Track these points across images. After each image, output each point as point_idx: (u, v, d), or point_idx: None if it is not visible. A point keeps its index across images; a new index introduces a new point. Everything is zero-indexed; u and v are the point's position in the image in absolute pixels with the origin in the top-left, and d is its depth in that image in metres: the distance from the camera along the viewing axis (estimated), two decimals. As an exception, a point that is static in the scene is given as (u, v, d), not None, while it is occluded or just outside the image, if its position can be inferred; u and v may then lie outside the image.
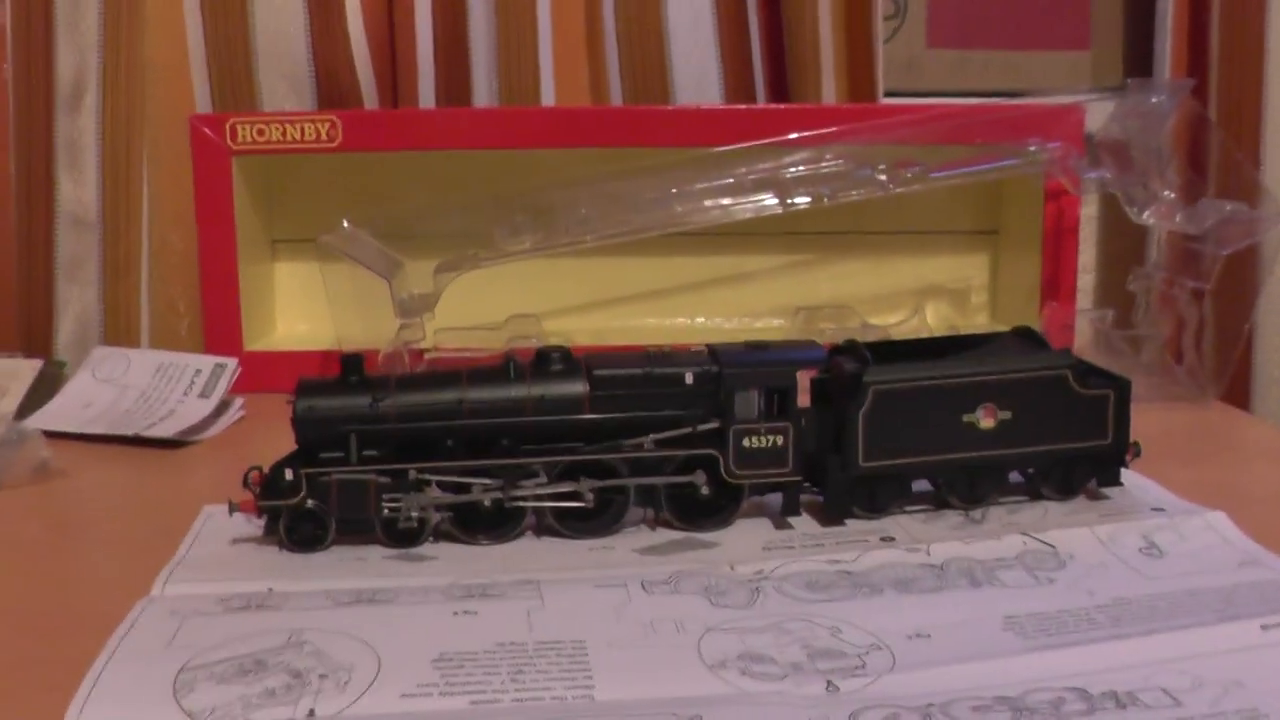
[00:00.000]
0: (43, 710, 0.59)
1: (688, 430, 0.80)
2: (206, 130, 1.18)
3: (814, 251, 1.31)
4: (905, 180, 1.08)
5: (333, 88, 1.32)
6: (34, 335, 1.37)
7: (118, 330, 1.36)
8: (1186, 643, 0.64)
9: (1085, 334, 1.15)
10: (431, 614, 0.68)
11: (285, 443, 0.83)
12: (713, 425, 0.80)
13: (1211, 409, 1.13)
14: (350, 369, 0.79)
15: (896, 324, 1.22)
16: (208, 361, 1.14)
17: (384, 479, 0.78)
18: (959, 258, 1.33)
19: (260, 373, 1.17)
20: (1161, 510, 0.83)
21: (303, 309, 1.32)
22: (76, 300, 1.36)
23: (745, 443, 0.80)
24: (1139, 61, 1.46)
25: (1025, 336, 0.90)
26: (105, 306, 1.36)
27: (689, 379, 0.79)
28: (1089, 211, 1.43)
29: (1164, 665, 0.62)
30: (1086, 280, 1.44)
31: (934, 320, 1.26)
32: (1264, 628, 0.65)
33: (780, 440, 0.80)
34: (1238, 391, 1.34)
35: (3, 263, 1.38)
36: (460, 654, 0.63)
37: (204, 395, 1.10)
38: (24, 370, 1.20)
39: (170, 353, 1.17)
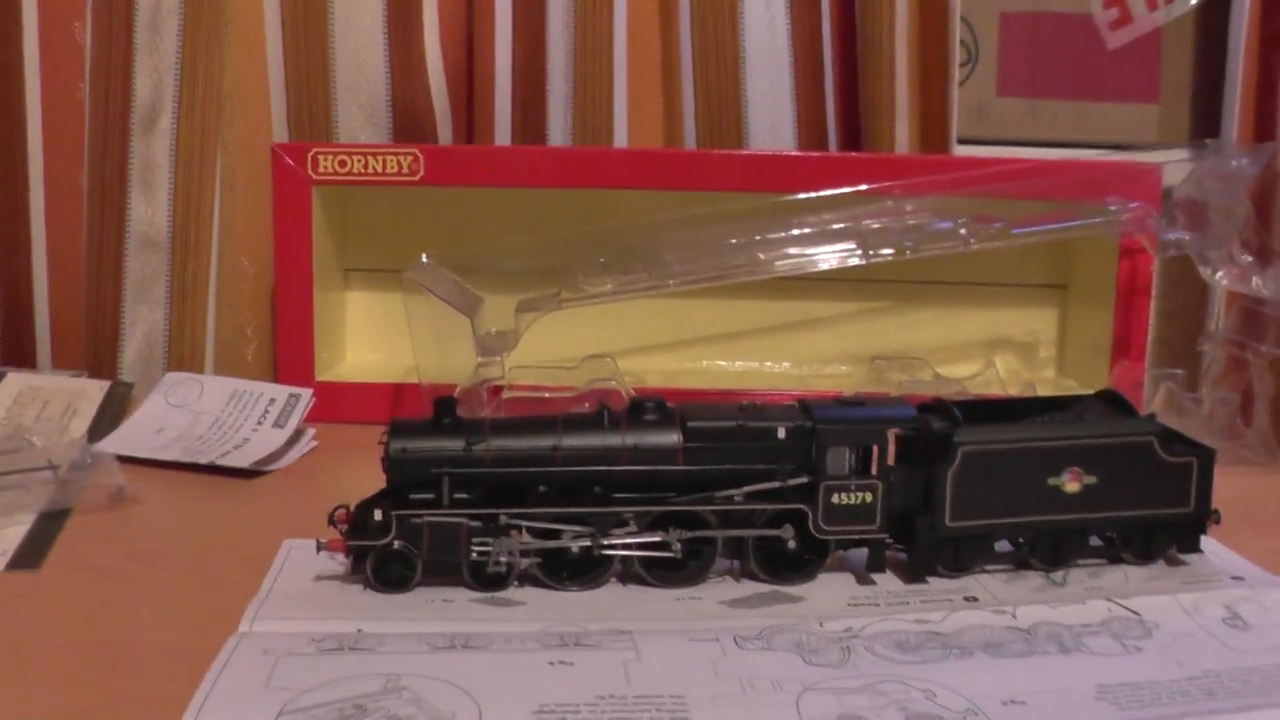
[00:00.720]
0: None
1: (778, 484, 0.80)
2: (288, 159, 1.19)
3: (882, 299, 1.31)
4: (987, 236, 1.08)
5: (409, 119, 1.33)
6: (100, 355, 1.37)
7: (182, 353, 1.36)
8: (1282, 722, 0.64)
9: (1156, 394, 1.15)
10: (527, 662, 0.68)
11: (359, 475, 0.83)
12: (802, 480, 0.80)
13: (1280, 474, 1.12)
14: (443, 411, 0.79)
15: (969, 377, 1.21)
16: (281, 391, 1.14)
17: (475, 522, 0.78)
18: (1027, 311, 1.32)
19: (330, 403, 1.17)
20: (1241, 579, 0.82)
21: (373, 339, 1.33)
22: (144, 321, 1.36)
23: (835, 499, 0.80)
24: (1207, 117, 1.45)
25: (1109, 400, 0.89)
26: (171, 329, 1.36)
27: (782, 434, 0.80)
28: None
29: (1261, 743, 0.62)
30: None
31: (1003, 373, 1.26)
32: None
33: (869, 497, 0.80)
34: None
35: (72, 281, 1.39)
36: (561, 706, 0.63)
37: (278, 425, 1.10)
38: (92, 390, 1.21)
39: (243, 380, 1.17)
